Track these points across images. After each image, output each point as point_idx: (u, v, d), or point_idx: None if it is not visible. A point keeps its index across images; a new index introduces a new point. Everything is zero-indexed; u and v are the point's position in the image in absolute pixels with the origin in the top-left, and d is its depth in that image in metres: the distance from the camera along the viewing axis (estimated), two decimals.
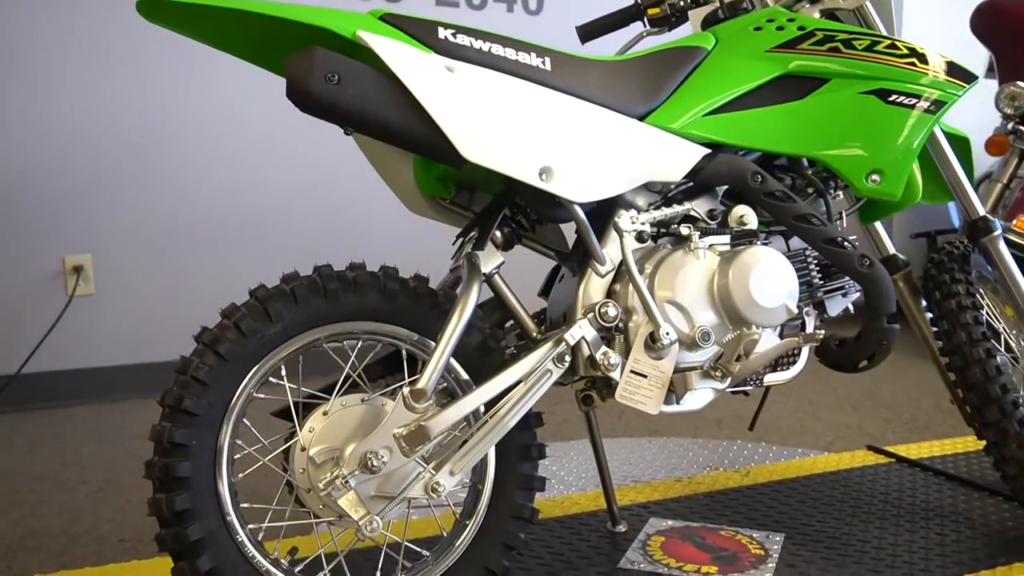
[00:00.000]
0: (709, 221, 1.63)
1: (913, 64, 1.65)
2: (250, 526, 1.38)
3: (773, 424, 2.93)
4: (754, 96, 1.62)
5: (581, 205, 1.49)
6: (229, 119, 3.49)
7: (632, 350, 1.47)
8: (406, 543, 1.47)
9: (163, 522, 1.31)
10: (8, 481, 2.51)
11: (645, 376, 1.47)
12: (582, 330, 1.45)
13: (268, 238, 3.54)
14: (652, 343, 1.46)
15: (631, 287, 1.49)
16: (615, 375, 1.47)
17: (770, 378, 1.60)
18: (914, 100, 1.64)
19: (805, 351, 1.63)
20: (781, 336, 1.59)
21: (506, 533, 1.47)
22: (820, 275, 1.69)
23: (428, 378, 1.38)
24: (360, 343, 1.46)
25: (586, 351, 1.47)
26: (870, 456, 2.43)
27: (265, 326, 1.37)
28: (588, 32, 2.00)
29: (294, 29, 1.37)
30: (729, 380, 1.50)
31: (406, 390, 1.37)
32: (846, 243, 1.59)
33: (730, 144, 1.59)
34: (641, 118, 1.56)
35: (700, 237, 1.56)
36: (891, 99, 1.64)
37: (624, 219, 1.46)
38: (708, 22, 1.84)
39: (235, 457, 1.39)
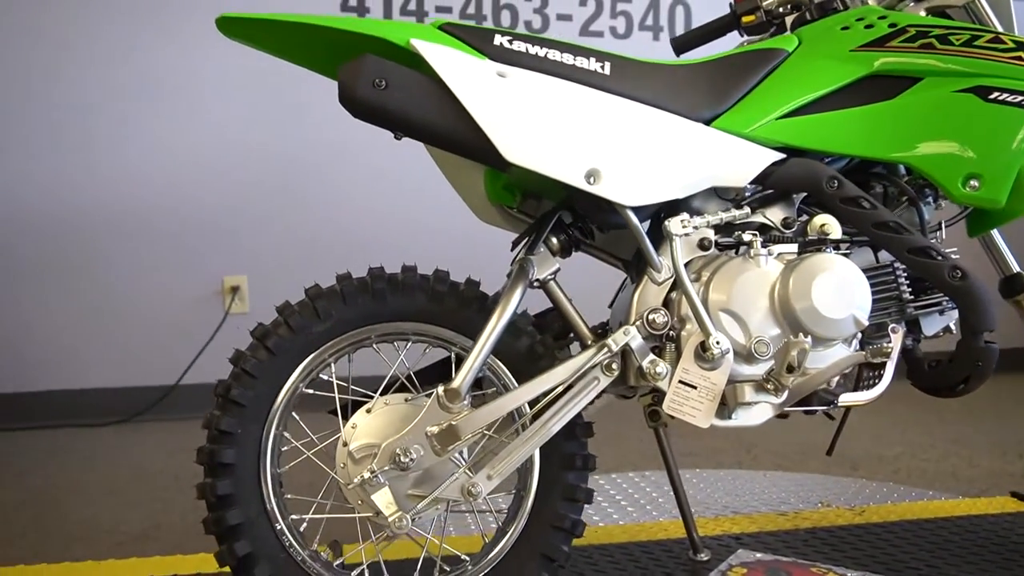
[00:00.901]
0: (783, 229, 1.53)
1: (1020, 58, 1.50)
2: (292, 516, 1.42)
3: (917, 467, 2.70)
4: (836, 98, 1.52)
5: (634, 210, 1.45)
6: (376, 149, 3.66)
7: (681, 359, 1.41)
8: (445, 546, 1.46)
9: (209, 506, 1.38)
10: (152, 479, 2.71)
11: (695, 387, 1.40)
12: (627, 336, 1.41)
13: (417, 256, 3.66)
14: (703, 352, 1.39)
15: (684, 295, 1.43)
16: (663, 385, 1.41)
17: (847, 398, 1.48)
18: (1019, 97, 1.49)
19: (890, 370, 1.49)
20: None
21: (546, 544, 1.43)
22: (912, 290, 1.55)
23: (463, 378, 1.38)
24: (409, 344, 1.48)
25: (634, 359, 1.42)
26: (1011, 503, 2.18)
27: (313, 323, 1.42)
28: (682, 44, 1.95)
29: (356, 40, 1.43)
30: (786, 395, 1.40)
31: (441, 389, 1.38)
32: (936, 253, 1.45)
33: (804, 148, 1.51)
34: (708, 122, 1.50)
35: (765, 245, 1.48)
36: (992, 97, 1.49)
37: (674, 223, 1.41)
38: (796, 24, 1.76)
39: (282, 449, 1.44)
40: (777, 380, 1.38)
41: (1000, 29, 1.60)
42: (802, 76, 1.54)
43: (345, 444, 1.40)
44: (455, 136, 1.39)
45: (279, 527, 1.39)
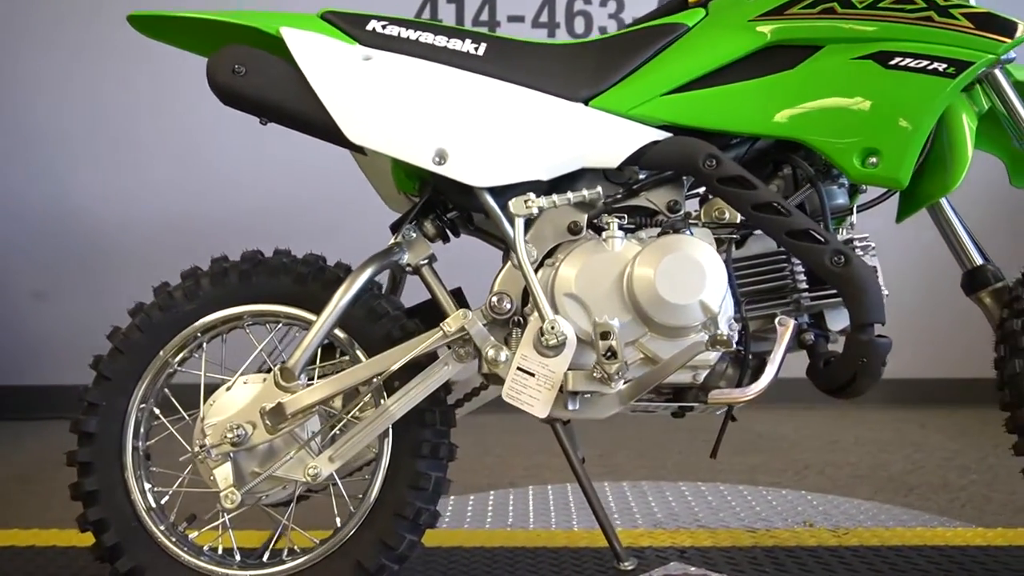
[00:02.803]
0: (668, 213, 1.44)
1: (928, 20, 1.33)
2: (155, 489, 1.47)
3: (982, 497, 2.41)
4: (730, 72, 1.42)
5: (493, 191, 1.40)
6: None
7: (520, 345, 1.34)
8: (293, 526, 1.46)
9: (76, 473, 1.45)
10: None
11: (533, 375, 1.33)
12: (463, 319, 1.36)
13: None
14: (541, 338, 1.32)
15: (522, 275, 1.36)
16: (502, 372, 1.35)
17: (717, 395, 1.35)
18: (923, 62, 1.32)
19: (771, 367, 1.35)
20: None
21: (387, 531, 1.40)
22: (810, 280, 1.40)
23: (297, 356, 1.38)
24: (280, 326, 1.51)
25: (478, 345, 1.37)
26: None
27: (182, 303, 1.47)
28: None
29: (243, 31, 1.48)
30: (621, 386, 1.30)
31: (278, 367, 1.39)
32: (819, 236, 1.31)
33: (687, 126, 1.41)
34: (587, 101, 1.44)
35: (633, 229, 1.39)
36: (892, 63, 1.34)
37: (516, 202, 1.35)
38: None
39: (153, 424, 1.50)
40: (602, 368, 1.28)
41: None
42: (695, 50, 1.44)
43: (203, 420, 1.44)
44: (306, 117, 1.41)
45: (134, 497, 1.44)
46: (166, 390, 1.51)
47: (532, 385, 1.33)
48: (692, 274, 1.30)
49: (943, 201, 1.50)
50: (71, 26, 3.63)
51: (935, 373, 3.70)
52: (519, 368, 1.33)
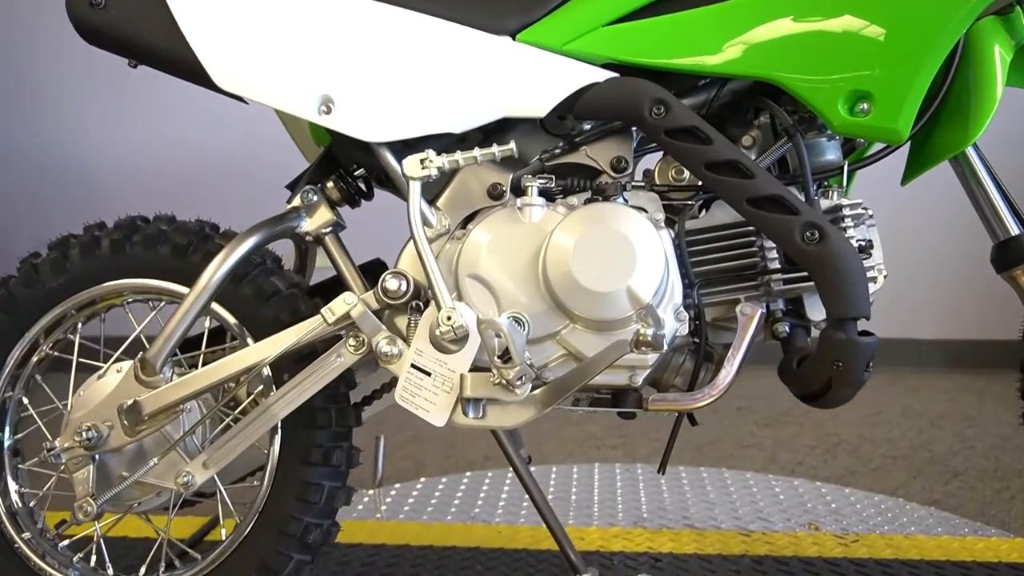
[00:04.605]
0: (613, 173, 1.17)
1: None
2: (24, 490, 1.30)
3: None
4: None
5: (391, 146, 1.15)
6: None
7: (415, 338, 1.10)
8: (171, 538, 1.26)
9: None
10: None
11: (429, 374, 1.09)
12: (347, 305, 1.12)
13: None
14: (436, 330, 1.08)
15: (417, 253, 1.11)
16: (396, 369, 1.11)
17: (657, 400, 1.09)
18: None
19: (730, 367, 1.08)
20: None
21: (267, 549, 1.19)
22: (782, 257, 1.12)
23: (158, 346, 1.17)
24: (163, 304, 1.29)
25: (367, 336, 1.13)
26: None
27: (48, 278, 1.27)
28: None
29: None
30: (525, 392, 1.04)
31: (138, 358, 1.18)
32: (789, 204, 1.03)
33: (634, 63, 1.12)
34: (514, 35, 1.16)
35: (547, 193, 1.13)
36: None
37: (410, 162, 1.09)
38: None
39: (22, 414, 1.31)
40: (499, 373, 1.03)
41: None
42: None
43: (69, 413, 1.25)
44: (171, 59, 1.18)
45: None
46: (37, 377, 1.32)
47: (428, 386, 1.09)
48: (617, 254, 1.03)
49: (970, 151, 1.19)
50: None
51: (1001, 334, 3.32)
52: (413, 365, 1.09)
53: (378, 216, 1.59)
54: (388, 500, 1.85)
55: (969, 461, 2.34)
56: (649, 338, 0.97)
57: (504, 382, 1.03)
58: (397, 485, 1.95)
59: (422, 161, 1.08)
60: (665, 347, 1.00)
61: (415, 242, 1.08)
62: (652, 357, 1.06)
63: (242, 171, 3.43)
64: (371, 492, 1.90)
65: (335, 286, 1.29)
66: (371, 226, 1.63)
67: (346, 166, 1.28)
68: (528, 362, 1.02)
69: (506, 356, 1.02)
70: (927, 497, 2.05)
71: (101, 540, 1.27)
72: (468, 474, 2.06)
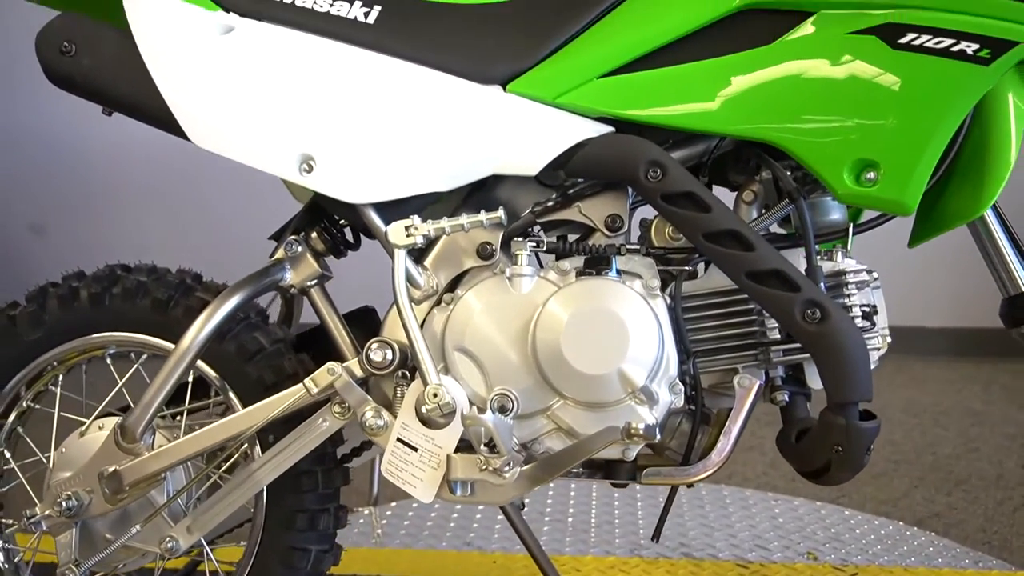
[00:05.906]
0: (608, 232, 1.12)
1: None
2: (8, 546, 1.28)
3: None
4: (688, 47, 1.06)
5: (378, 207, 1.11)
6: None
7: (400, 411, 1.06)
8: None
9: None
10: None
11: (416, 449, 1.06)
12: (330, 376, 1.08)
13: None
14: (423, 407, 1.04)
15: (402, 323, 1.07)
16: (382, 441, 1.08)
17: (652, 475, 1.06)
18: (945, 41, 0.95)
19: (727, 440, 1.05)
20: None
21: None
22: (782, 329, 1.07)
23: (138, 412, 1.13)
24: (145, 357, 1.26)
25: (352, 407, 1.09)
26: None
27: (26, 330, 1.23)
28: None
29: None
30: (512, 476, 1.01)
31: (116, 423, 1.15)
32: (789, 278, 0.98)
33: (630, 119, 1.07)
34: (505, 84, 1.10)
35: (535, 257, 1.09)
36: (903, 41, 0.97)
37: (395, 229, 1.04)
38: None
39: (4, 468, 1.29)
40: (486, 461, 0.99)
41: None
42: (644, 15, 1.08)
43: (51, 470, 1.22)
44: (146, 111, 1.13)
45: None
46: (19, 429, 1.29)
47: (414, 461, 1.06)
48: (609, 337, 0.99)
49: (987, 212, 1.13)
50: None
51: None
52: (399, 439, 1.06)
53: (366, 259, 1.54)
54: (384, 522, 1.83)
55: (972, 466, 2.32)
56: (641, 431, 0.93)
57: (491, 469, 0.99)
58: (393, 504, 1.93)
59: (407, 228, 1.04)
60: (658, 437, 0.96)
61: (400, 314, 1.04)
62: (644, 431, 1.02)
63: None
64: (367, 511, 1.89)
65: (323, 336, 1.26)
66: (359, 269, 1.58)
67: (331, 216, 1.23)
68: (515, 449, 0.99)
69: (492, 443, 0.98)
70: (929, 509, 2.03)
71: None
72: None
